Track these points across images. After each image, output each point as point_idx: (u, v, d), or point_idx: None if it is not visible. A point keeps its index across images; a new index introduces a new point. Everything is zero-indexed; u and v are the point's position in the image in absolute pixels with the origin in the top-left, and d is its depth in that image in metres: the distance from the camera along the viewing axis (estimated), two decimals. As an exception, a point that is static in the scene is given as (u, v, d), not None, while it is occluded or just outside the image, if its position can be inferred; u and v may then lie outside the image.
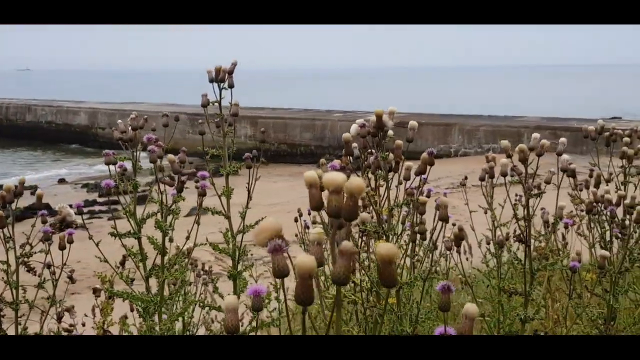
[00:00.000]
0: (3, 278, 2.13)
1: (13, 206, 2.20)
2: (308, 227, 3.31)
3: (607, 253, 2.05)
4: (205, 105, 2.44)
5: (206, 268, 3.25)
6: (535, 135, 2.05)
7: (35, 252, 2.14)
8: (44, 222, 2.17)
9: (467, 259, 4.31)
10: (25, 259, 2.18)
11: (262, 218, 2.58)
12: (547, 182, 2.07)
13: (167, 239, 2.25)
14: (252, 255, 2.79)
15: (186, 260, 2.34)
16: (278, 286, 3.45)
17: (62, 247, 2.09)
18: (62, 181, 21.17)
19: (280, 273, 0.99)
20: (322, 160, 2.30)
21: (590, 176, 2.73)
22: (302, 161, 23.21)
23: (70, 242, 2.08)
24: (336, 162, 2.14)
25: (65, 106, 31.11)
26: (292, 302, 1.17)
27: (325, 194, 1.11)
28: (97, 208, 15.52)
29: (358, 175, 2.13)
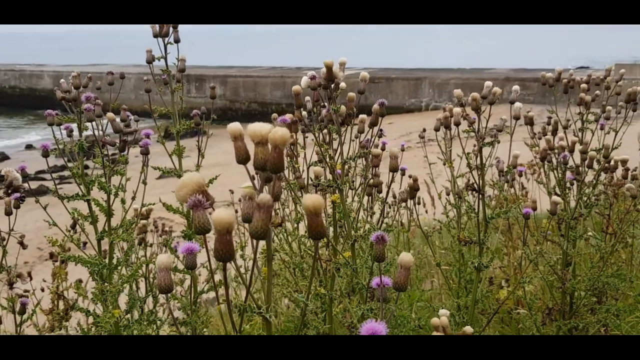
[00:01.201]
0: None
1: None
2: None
3: (558, 199, 2.04)
4: (150, 61, 2.35)
5: (166, 229, 3.19)
6: (488, 83, 2.02)
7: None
8: (-15, 187, 2.08)
9: (426, 212, 4.32)
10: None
11: (217, 176, 2.53)
12: (499, 131, 2.04)
13: (119, 200, 2.19)
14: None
15: (140, 221, 2.28)
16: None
17: (8, 213, 2.01)
18: (29, 147, 20.69)
19: (201, 229, 0.95)
20: (274, 115, 2.24)
21: (549, 124, 2.72)
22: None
23: (17, 207, 2.00)
24: (287, 116, 2.09)
25: (28, 70, 30.20)
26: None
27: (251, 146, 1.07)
28: (66, 173, 15.29)
29: (311, 130, 2.08)
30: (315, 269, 1.22)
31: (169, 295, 1.15)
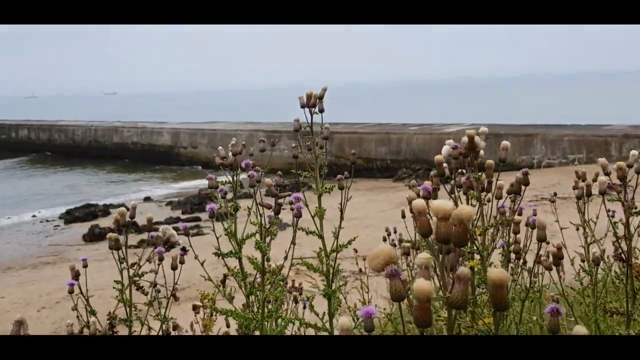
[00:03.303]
0: (117, 297, 2.30)
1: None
2: (395, 246, 3.35)
3: None
4: (297, 130, 2.55)
5: (296, 285, 3.35)
6: (634, 152, 2.02)
7: (145, 272, 2.30)
8: (152, 243, 2.33)
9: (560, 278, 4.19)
10: (136, 279, 2.35)
11: (354, 238, 2.66)
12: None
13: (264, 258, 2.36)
14: (343, 271, 2.86)
15: (283, 278, 2.44)
16: (366, 303, 3.50)
17: (173, 267, 2.24)
18: (147, 199, 22.15)
19: (397, 296, 1.05)
20: (413, 182, 2.36)
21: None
22: (379, 175, 23.20)
23: (182, 262, 2.23)
24: (427, 184, 2.18)
25: (149, 127, 32.58)
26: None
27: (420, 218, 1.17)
28: (180, 225, 16.18)
29: (451, 198, 2.17)
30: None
31: None
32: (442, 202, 1.12)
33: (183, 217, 18.22)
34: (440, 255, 1.18)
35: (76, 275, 2.27)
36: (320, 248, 2.59)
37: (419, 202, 1.15)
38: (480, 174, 2.08)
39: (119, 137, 33.32)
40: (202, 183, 23.87)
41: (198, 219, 17.40)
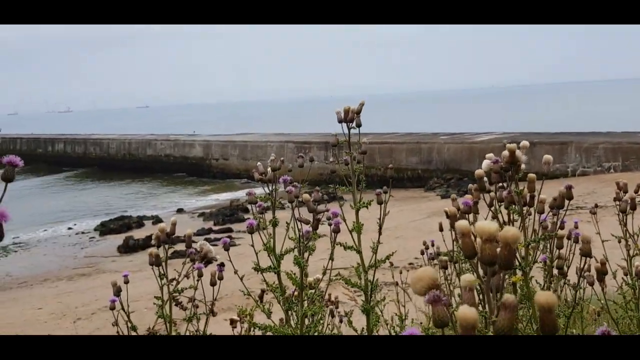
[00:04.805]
0: (157, 312, 2.33)
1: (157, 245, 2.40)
2: (433, 259, 3.33)
3: None
4: (335, 145, 2.56)
5: (332, 299, 3.34)
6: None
7: (185, 288, 2.33)
8: (192, 259, 2.36)
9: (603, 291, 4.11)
10: (176, 294, 2.38)
11: (392, 253, 2.65)
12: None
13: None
14: (380, 285, 2.86)
15: (321, 294, 2.45)
16: (403, 317, 3.48)
17: (212, 283, 2.27)
18: (180, 211, 22.41)
19: (440, 323, 1.04)
20: (453, 196, 2.34)
21: None
22: (409, 185, 23.08)
23: (221, 278, 2.25)
24: (468, 198, 2.17)
25: (181, 139, 33.05)
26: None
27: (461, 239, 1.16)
28: (212, 236, 16.35)
29: (491, 211, 2.14)
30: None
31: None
32: (487, 224, 1.11)
33: (215, 228, 18.40)
34: (485, 277, 1.17)
35: (118, 292, 2.31)
36: (358, 263, 2.59)
37: (463, 224, 1.14)
38: (522, 188, 2.06)
39: (153, 149, 33.86)
40: (234, 195, 24.13)
41: (230, 230, 17.55)
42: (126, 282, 2.40)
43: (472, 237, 1.17)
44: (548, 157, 2.05)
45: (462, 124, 39.48)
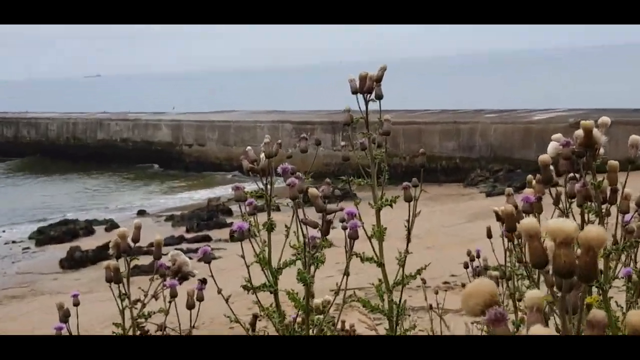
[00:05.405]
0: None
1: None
2: (479, 275, 3.31)
3: None
4: (348, 123, 2.56)
5: (346, 328, 3.34)
6: None
7: (153, 312, 2.33)
8: (162, 275, 2.36)
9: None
10: (141, 320, 2.38)
11: (425, 267, 2.65)
12: None
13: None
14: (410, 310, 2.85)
15: (332, 319, 2.45)
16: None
17: (190, 306, 2.26)
18: (141, 213, 22.45)
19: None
20: (509, 190, 2.33)
21: None
22: (444, 179, 23.05)
23: (201, 299, 2.25)
24: (528, 193, 2.16)
25: (143, 119, 33.11)
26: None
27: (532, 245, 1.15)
28: (185, 246, 16.33)
29: (558, 209, 2.13)
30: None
31: None
32: (563, 223, 1.10)
33: (188, 236, 18.43)
34: (559, 293, 1.16)
35: (65, 317, 2.31)
36: (379, 280, 2.59)
37: (531, 223, 1.13)
38: (600, 180, 2.04)
39: (105, 132, 33.98)
40: (213, 192, 24.18)
41: (208, 239, 17.58)
42: (76, 304, 2.40)
43: (542, 241, 1.16)
44: (635, 137, 2.03)
45: (513, 98, 39.45)
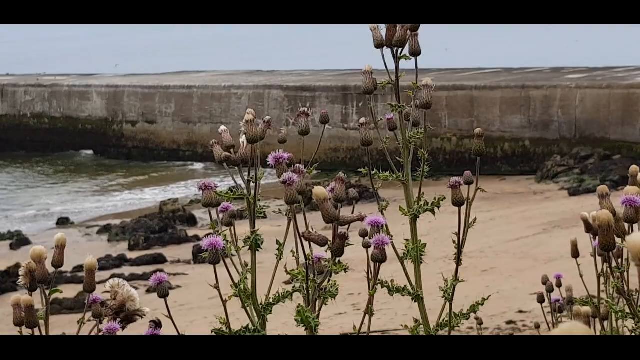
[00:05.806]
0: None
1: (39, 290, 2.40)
2: (560, 311, 3.33)
3: None
4: (370, 90, 2.56)
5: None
6: None
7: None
8: (96, 315, 2.36)
9: None
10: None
11: (483, 300, 2.67)
12: None
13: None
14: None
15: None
16: None
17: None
18: (64, 222, 22.48)
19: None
20: (603, 188, 2.32)
21: None
22: (507, 169, 23.11)
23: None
24: (634, 192, 2.15)
25: (64, 84, 33.04)
26: None
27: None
28: (126, 271, 16.30)
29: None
30: None
31: None
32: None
33: (133, 255, 18.41)
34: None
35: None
36: (415, 320, 2.59)
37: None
38: None
39: (9, 103, 33.98)
40: (167, 192, 24.27)
41: (160, 260, 17.57)
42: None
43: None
44: None
45: (607, 52, 39.36)
